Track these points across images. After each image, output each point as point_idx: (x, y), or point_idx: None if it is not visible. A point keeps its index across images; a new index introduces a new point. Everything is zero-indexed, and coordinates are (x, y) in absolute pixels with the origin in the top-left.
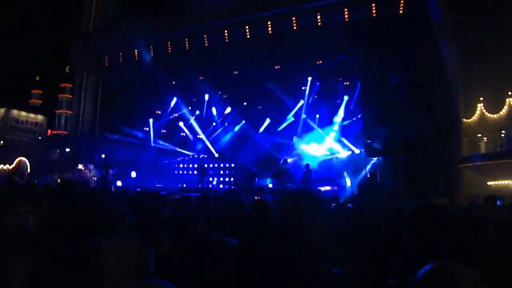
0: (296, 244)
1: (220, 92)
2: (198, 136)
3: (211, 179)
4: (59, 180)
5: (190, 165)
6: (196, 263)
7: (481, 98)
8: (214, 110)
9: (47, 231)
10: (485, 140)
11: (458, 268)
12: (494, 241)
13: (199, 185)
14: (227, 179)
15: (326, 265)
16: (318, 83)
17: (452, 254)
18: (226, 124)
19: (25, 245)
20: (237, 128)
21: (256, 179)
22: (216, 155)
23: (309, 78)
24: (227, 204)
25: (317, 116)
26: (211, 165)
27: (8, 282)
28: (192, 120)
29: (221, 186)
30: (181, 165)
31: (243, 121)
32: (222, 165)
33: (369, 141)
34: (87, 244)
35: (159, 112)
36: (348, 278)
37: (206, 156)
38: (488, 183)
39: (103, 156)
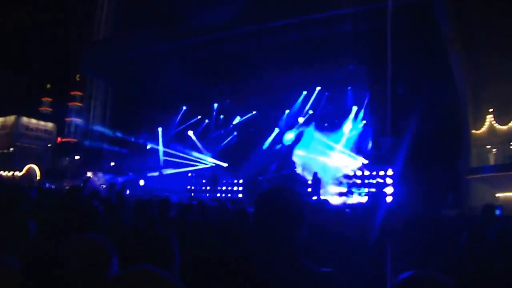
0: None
1: (229, 101)
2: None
3: (224, 188)
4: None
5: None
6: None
7: (490, 110)
8: (222, 118)
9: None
10: (494, 152)
11: (437, 276)
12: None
13: (209, 194)
14: (235, 188)
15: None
16: (327, 93)
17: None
18: (235, 133)
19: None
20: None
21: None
22: (225, 164)
23: (318, 88)
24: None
25: (325, 124)
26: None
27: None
28: (201, 129)
29: (229, 195)
30: (189, 174)
31: (251, 129)
32: (230, 174)
33: (377, 151)
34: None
35: (168, 120)
36: (339, 278)
37: (215, 165)
38: (497, 195)
39: (112, 164)
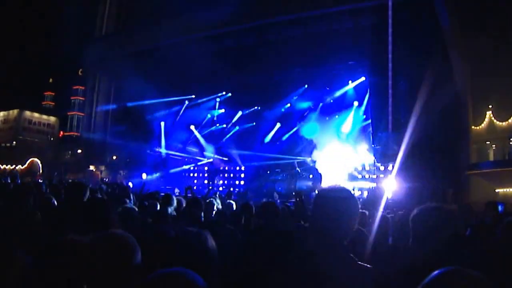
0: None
1: (231, 95)
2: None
3: (221, 181)
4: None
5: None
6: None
7: (490, 106)
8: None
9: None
10: (494, 148)
11: (470, 273)
12: (502, 245)
13: (209, 188)
14: (237, 182)
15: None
16: (328, 88)
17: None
18: (237, 128)
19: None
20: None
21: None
22: (225, 158)
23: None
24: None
25: (327, 118)
26: (221, 168)
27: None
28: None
29: (231, 189)
30: (191, 168)
31: (254, 123)
32: (232, 167)
33: (378, 147)
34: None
35: (170, 115)
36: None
37: (217, 158)
38: (497, 190)
39: (114, 157)
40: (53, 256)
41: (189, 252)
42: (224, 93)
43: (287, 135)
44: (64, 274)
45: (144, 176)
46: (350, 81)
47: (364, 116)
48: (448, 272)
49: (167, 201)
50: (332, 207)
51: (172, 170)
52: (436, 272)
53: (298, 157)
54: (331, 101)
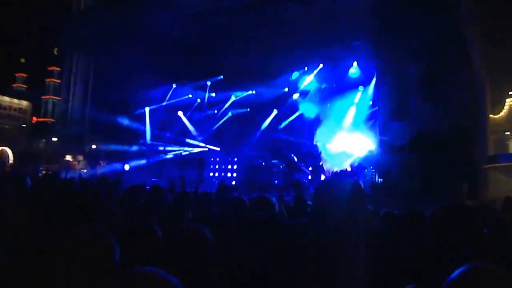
0: None
1: (223, 78)
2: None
3: (211, 174)
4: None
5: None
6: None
7: (510, 93)
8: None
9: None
10: None
11: (496, 269)
12: None
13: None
14: (229, 174)
15: None
16: (330, 71)
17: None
18: (230, 114)
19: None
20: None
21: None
22: (217, 148)
23: (320, 65)
24: None
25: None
26: (211, 159)
27: None
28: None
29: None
30: (181, 155)
31: (248, 109)
32: (223, 158)
33: (385, 137)
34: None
35: (156, 99)
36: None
37: (207, 148)
38: None
39: (93, 147)
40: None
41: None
42: (215, 76)
43: (285, 122)
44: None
45: (126, 167)
46: (355, 63)
47: (371, 103)
48: (472, 268)
49: (154, 195)
50: (336, 196)
51: (158, 161)
52: (460, 269)
53: (297, 147)
54: (334, 85)
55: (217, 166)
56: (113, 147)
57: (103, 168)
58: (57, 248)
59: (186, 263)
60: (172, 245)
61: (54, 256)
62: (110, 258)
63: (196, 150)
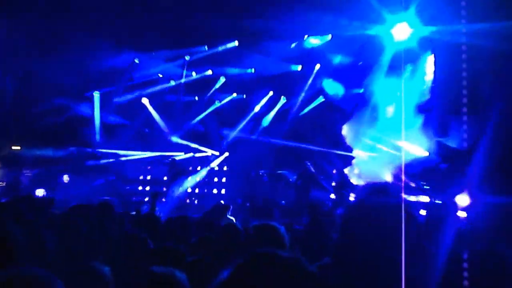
0: None
1: (207, 50)
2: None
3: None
4: None
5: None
6: None
7: None
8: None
9: None
10: None
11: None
12: None
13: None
14: (215, 190)
15: None
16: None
17: None
18: (217, 102)
19: None
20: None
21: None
22: (205, 151)
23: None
24: None
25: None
26: (190, 168)
27: None
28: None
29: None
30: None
31: (244, 95)
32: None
33: (442, 139)
34: None
35: (110, 80)
36: None
37: (182, 152)
38: None
39: (15, 148)
40: None
41: None
42: (196, 46)
43: (304, 111)
44: None
45: (65, 178)
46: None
47: (425, 87)
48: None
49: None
50: (374, 226)
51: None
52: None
53: (313, 149)
54: (360, 63)
55: (197, 179)
56: (43, 149)
57: (27, 180)
58: None
59: None
60: None
61: None
62: None
63: (167, 153)
